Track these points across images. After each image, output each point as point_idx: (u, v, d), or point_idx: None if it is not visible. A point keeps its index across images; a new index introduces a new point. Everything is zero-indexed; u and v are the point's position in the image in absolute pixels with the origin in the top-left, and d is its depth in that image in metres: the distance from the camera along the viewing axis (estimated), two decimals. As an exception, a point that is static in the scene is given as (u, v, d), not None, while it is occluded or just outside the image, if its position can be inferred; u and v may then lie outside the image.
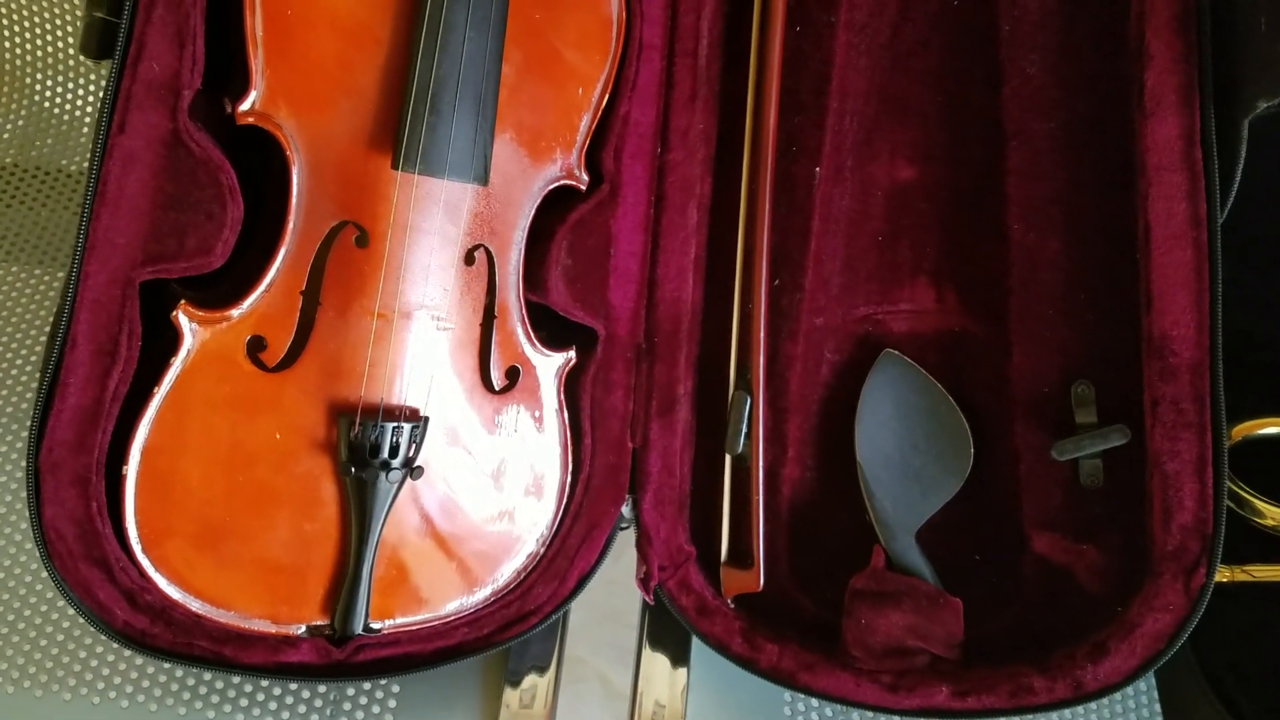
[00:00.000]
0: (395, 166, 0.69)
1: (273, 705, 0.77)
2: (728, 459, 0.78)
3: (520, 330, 0.75)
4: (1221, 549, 0.69)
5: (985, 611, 0.75)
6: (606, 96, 0.76)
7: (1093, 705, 0.81)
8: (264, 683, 0.77)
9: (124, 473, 0.66)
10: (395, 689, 0.79)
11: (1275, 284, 0.84)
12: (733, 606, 0.77)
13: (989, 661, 0.72)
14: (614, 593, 0.81)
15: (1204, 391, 0.69)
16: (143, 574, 0.67)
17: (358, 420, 0.68)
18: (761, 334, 0.77)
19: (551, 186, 0.75)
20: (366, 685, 0.78)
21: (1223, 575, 0.78)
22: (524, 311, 0.75)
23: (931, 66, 0.82)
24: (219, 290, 0.70)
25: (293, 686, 0.77)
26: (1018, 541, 0.77)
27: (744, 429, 0.77)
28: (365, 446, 0.68)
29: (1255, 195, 0.71)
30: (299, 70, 0.67)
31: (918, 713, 0.72)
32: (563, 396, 0.76)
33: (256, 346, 0.68)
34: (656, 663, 0.81)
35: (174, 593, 0.67)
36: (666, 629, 0.81)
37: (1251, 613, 0.79)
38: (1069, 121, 0.76)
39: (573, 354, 0.77)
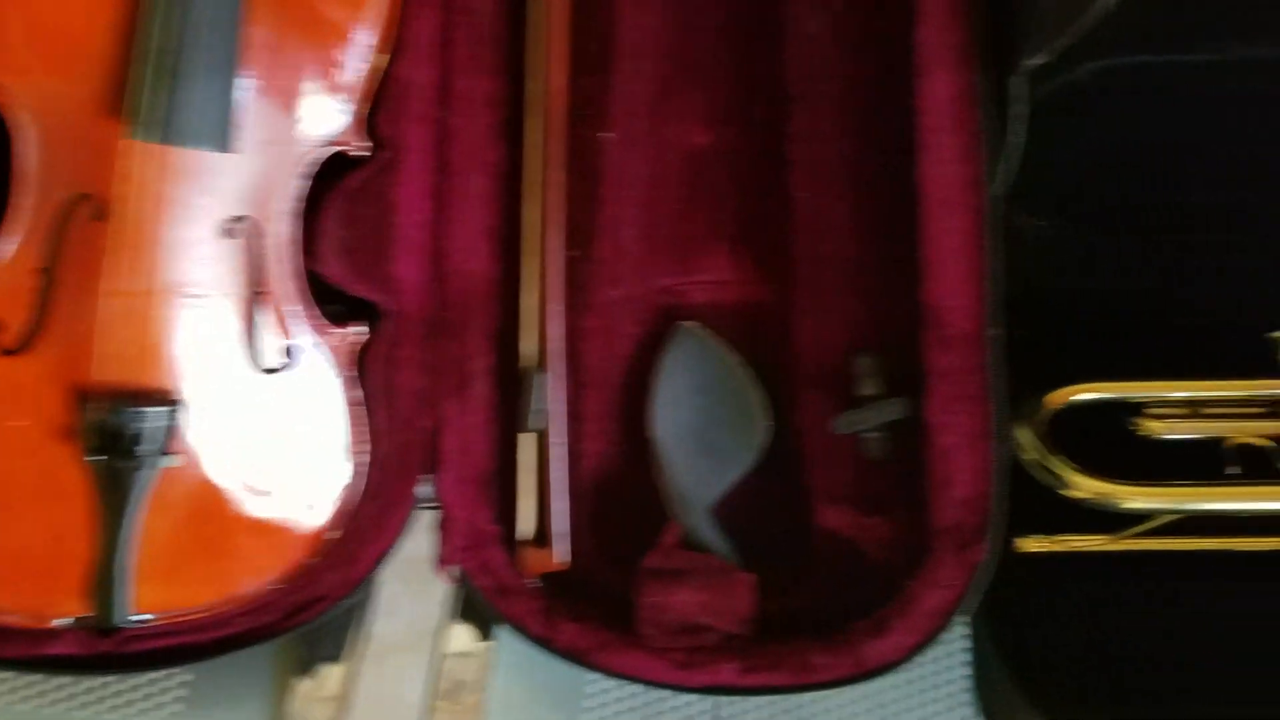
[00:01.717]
0: (132, 135, 0.64)
1: (63, 694, 0.74)
2: (525, 436, 0.75)
3: (299, 306, 0.71)
4: (1006, 523, 0.68)
5: (780, 587, 0.73)
6: (375, 56, 0.71)
7: (914, 678, 0.80)
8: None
9: None
10: (188, 677, 0.76)
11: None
12: (536, 586, 0.75)
13: (780, 638, 0.71)
14: (421, 568, 0.79)
15: (981, 363, 0.67)
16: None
17: (102, 406, 0.65)
18: (556, 306, 0.74)
19: (322, 153, 0.71)
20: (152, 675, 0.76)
21: (1039, 545, 0.77)
22: (303, 286, 0.71)
23: (719, 25, 0.78)
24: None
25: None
26: (808, 516, 0.76)
27: (539, 405, 0.74)
28: (108, 434, 0.64)
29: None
30: (15, 29, 0.63)
31: (706, 690, 0.71)
32: (350, 374, 0.73)
33: (-9, 328, 0.64)
34: (462, 638, 0.79)
35: (-88, 590, 0.64)
36: (472, 605, 0.78)
37: (1061, 586, 0.78)
38: (850, 83, 0.74)
39: (364, 329, 0.73)
